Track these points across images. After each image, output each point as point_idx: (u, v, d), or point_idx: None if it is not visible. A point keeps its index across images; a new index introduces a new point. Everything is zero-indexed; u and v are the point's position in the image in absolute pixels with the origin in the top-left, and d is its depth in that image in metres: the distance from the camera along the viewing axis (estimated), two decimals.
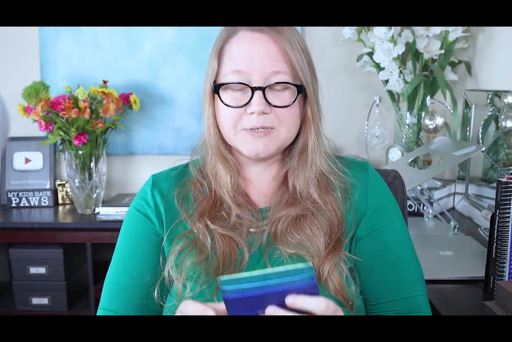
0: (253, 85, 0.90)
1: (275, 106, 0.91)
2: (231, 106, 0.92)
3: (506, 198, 1.11)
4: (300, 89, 0.92)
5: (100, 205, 2.08)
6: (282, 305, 0.67)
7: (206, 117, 0.96)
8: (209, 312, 0.69)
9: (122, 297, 0.98)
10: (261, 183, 1.00)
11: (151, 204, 0.99)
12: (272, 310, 0.67)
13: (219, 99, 0.93)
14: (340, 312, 0.71)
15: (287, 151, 0.99)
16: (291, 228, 0.93)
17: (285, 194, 0.97)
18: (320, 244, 0.91)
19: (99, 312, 0.99)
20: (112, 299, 0.98)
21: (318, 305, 0.67)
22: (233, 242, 0.93)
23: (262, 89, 0.90)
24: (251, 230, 0.95)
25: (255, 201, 0.99)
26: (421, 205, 1.88)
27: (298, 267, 0.66)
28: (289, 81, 0.91)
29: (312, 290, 0.67)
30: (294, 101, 0.92)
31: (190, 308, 0.71)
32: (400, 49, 1.88)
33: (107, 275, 1.01)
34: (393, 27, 1.86)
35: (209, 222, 0.94)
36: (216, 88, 0.92)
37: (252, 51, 0.90)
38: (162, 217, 0.98)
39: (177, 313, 0.73)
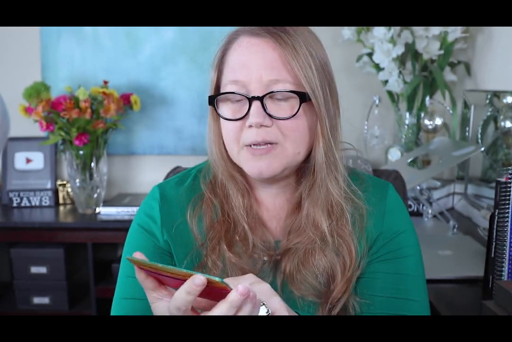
0: (251, 95, 0.81)
1: (275, 118, 0.82)
2: (229, 119, 0.84)
3: (505, 197, 1.11)
4: (304, 97, 0.81)
5: (101, 204, 2.08)
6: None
7: (213, 134, 0.88)
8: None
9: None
10: (275, 206, 0.91)
11: (157, 222, 0.91)
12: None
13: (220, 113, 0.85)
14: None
15: (301, 171, 0.89)
16: (300, 266, 0.86)
17: (296, 221, 0.89)
18: (325, 285, 0.86)
19: None
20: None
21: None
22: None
23: (260, 99, 0.81)
24: (265, 258, 0.89)
25: (270, 228, 0.91)
26: (421, 204, 1.89)
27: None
28: (291, 89, 0.81)
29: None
30: (297, 112, 0.81)
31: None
32: (400, 49, 1.89)
33: (113, 302, 0.91)
34: (392, 28, 1.86)
35: (225, 247, 0.87)
36: (211, 99, 0.85)
37: (250, 59, 0.82)
38: (168, 239, 0.90)
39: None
